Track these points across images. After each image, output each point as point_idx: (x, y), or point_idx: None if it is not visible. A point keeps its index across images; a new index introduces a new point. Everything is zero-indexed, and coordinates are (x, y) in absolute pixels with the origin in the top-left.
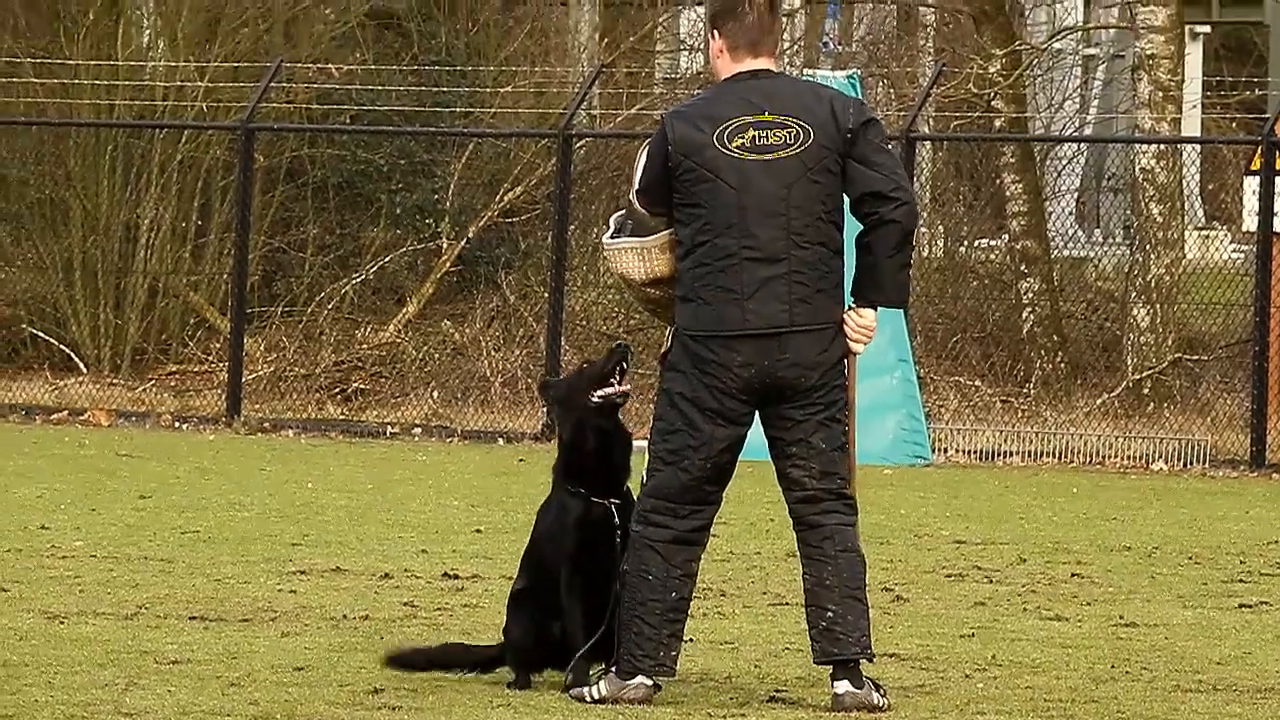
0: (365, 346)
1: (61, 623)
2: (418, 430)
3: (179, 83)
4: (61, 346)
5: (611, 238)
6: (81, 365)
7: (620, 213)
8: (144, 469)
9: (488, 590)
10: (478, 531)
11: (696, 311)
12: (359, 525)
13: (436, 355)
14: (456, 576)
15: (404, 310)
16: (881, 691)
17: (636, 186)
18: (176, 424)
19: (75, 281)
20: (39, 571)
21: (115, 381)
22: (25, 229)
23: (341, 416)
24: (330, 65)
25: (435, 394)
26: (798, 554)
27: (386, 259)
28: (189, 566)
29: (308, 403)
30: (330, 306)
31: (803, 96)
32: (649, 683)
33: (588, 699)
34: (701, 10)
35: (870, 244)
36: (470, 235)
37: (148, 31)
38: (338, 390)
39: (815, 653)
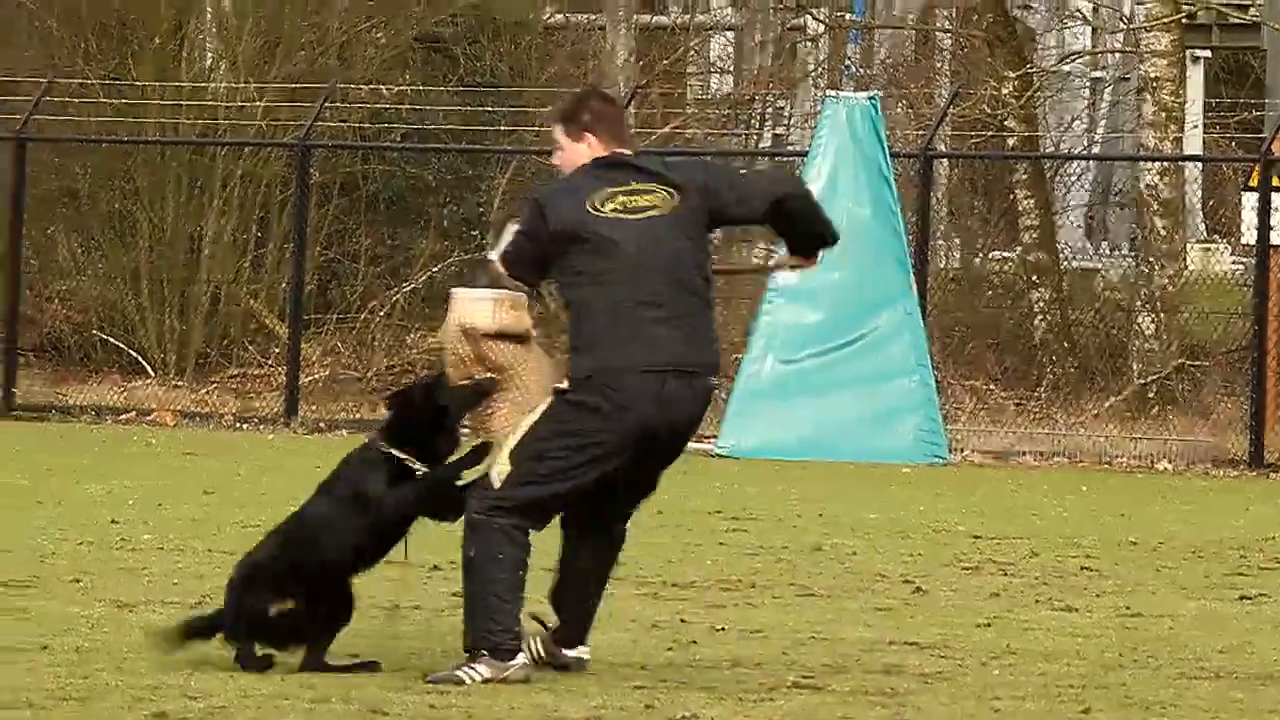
0: (415, 351)
1: (131, 611)
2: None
3: (239, 103)
4: (129, 351)
5: (464, 287)
6: (148, 369)
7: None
8: (207, 467)
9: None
10: None
11: (596, 356)
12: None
13: None
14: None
15: None
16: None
17: (503, 255)
18: (237, 424)
19: (142, 290)
20: (109, 563)
21: (180, 384)
22: (95, 241)
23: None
24: (382, 86)
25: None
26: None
27: (435, 269)
28: None
29: (361, 404)
30: (382, 313)
31: (660, 167)
32: (528, 662)
33: (469, 681)
34: (732, 36)
35: (801, 210)
36: None
37: (210, 55)
38: (389, 392)
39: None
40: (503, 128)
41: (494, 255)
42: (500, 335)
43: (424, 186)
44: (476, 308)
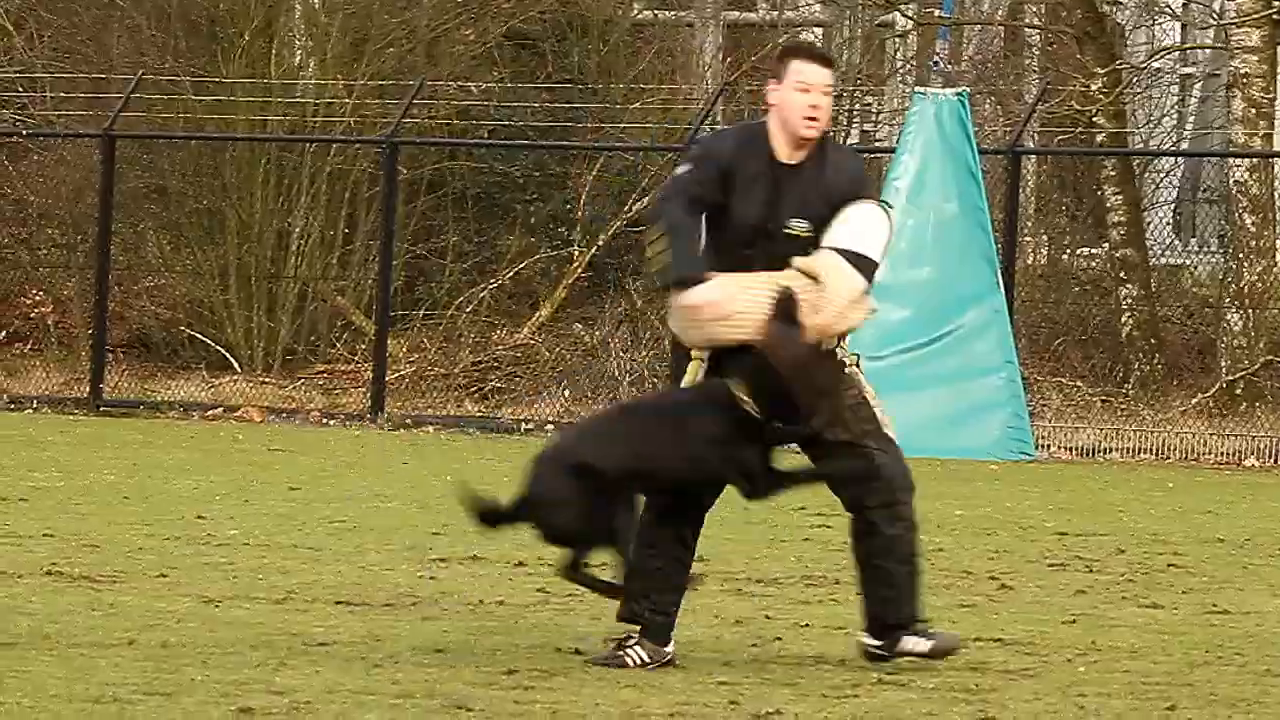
0: (501, 347)
1: (216, 606)
2: (550, 427)
3: (328, 100)
4: (217, 347)
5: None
6: (236, 365)
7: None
8: (294, 462)
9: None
10: None
11: None
12: None
13: (568, 356)
14: (586, 564)
15: (538, 313)
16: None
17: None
18: (324, 420)
19: (230, 286)
20: (196, 558)
21: (267, 380)
22: (184, 237)
23: (479, 413)
24: (470, 83)
25: (567, 392)
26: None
27: (521, 265)
28: (335, 554)
29: (447, 400)
30: (468, 310)
31: None
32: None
33: (632, 663)
34: (820, 31)
35: None
36: (600, 243)
37: (299, 52)
38: (475, 389)
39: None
40: (590, 124)
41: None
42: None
43: (511, 183)
44: (856, 314)
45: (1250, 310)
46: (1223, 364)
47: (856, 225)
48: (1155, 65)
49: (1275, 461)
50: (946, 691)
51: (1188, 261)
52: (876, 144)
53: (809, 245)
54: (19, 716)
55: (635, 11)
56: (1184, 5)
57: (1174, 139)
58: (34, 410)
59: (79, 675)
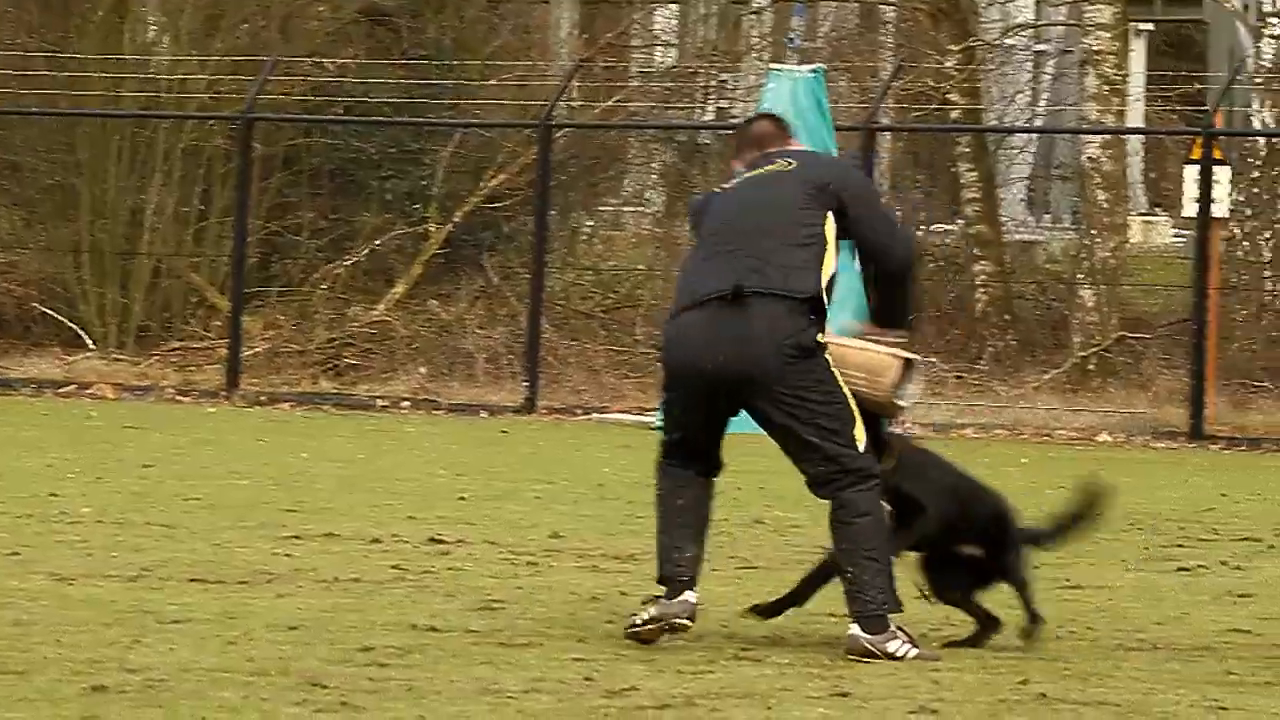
0: (357, 324)
1: (70, 584)
2: (406, 403)
3: (182, 76)
4: (70, 324)
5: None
6: (89, 342)
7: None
8: (148, 440)
9: (471, 554)
10: (461, 499)
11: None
12: (350, 493)
13: (424, 332)
14: (442, 541)
15: (393, 290)
16: (907, 643)
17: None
18: (178, 397)
19: (84, 263)
20: (48, 536)
21: (121, 357)
22: (37, 214)
23: (334, 390)
24: (325, 59)
25: (423, 369)
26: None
27: (377, 242)
28: (190, 532)
29: (302, 377)
30: (324, 287)
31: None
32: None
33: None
34: (676, 9)
35: (889, 279)
36: (456, 220)
37: (152, 28)
38: (330, 366)
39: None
40: (446, 101)
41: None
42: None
43: (367, 160)
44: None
45: (1103, 286)
46: (1076, 340)
47: None
48: (1010, 42)
49: (1127, 437)
50: (802, 666)
51: (1041, 238)
52: (732, 120)
53: None
54: None
55: None
56: None
57: (1028, 116)
58: None
59: None
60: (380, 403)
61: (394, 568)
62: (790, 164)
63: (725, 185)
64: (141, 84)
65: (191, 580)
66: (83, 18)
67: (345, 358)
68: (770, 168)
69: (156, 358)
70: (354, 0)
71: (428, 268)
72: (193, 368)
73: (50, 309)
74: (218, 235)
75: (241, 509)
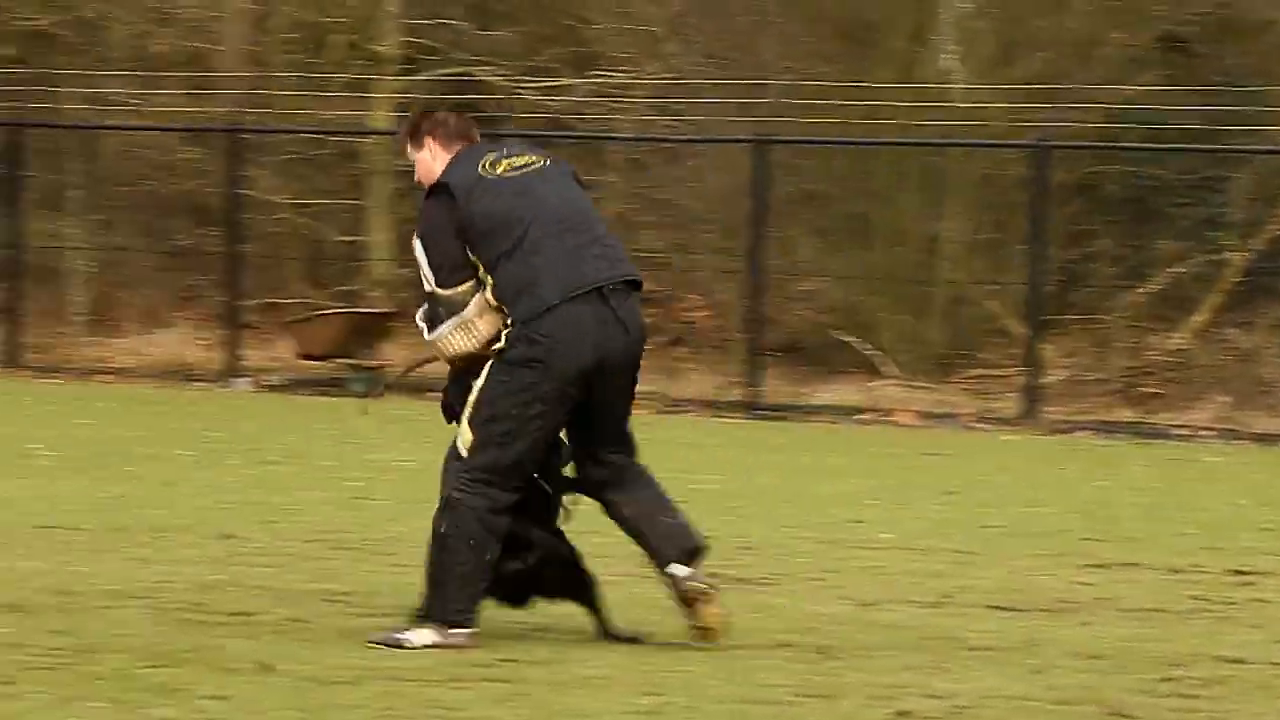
0: (1155, 352)
1: (872, 609)
2: (1206, 432)
3: (977, 104)
4: (868, 351)
5: (432, 332)
6: (888, 369)
7: (422, 309)
8: (946, 466)
9: (1278, 586)
10: (1264, 529)
11: (534, 293)
12: (1150, 522)
13: (1224, 361)
14: (1244, 572)
15: (1193, 318)
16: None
17: (433, 279)
18: (976, 425)
19: (880, 290)
20: (850, 561)
21: (918, 384)
22: (833, 241)
23: (1133, 419)
24: (1120, 86)
25: (1225, 398)
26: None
27: (1174, 269)
28: (989, 558)
29: (1100, 405)
30: (1122, 314)
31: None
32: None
33: (409, 646)
34: None
35: None
36: (1257, 247)
37: (949, 56)
38: (1129, 393)
39: (663, 558)
40: (1244, 127)
41: (431, 285)
42: (488, 342)
43: (1163, 186)
44: (455, 341)
45: None
46: None
47: None
48: None
49: None
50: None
51: None
52: None
53: None
54: (674, 715)
55: None
56: None
57: None
58: (692, 414)
59: (736, 676)
60: (1179, 431)
61: (1195, 598)
62: (537, 157)
63: (485, 172)
64: (937, 112)
65: (992, 607)
66: (880, 47)
67: (1144, 386)
68: (528, 158)
69: (954, 385)
70: (1151, 26)
71: (1228, 295)
72: (990, 395)
73: (848, 336)
74: (1014, 263)
75: (1041, 537)
